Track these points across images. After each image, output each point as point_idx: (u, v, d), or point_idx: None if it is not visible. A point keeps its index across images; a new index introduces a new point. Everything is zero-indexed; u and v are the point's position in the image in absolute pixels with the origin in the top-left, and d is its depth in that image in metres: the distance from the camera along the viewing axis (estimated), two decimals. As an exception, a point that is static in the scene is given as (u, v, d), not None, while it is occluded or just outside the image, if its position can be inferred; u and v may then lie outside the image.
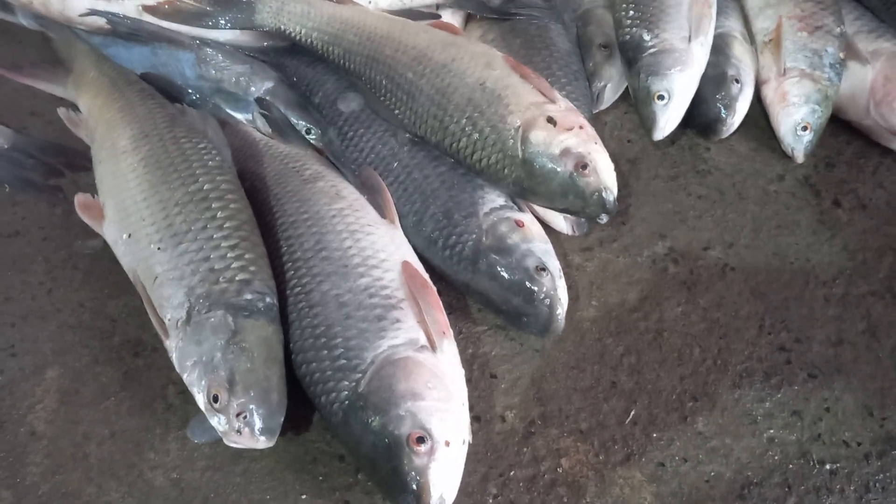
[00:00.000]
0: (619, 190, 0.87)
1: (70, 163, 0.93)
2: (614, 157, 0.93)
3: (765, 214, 0.96)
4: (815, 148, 1.01)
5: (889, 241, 0.94)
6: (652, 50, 0.94)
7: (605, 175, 0.77)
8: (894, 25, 1.04)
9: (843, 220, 0.96)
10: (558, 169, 0.76)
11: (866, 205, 0.98)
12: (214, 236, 0.71)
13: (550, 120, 0.77)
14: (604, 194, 0.77)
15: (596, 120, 1.02)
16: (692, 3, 0.96)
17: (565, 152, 0.76)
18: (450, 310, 0.80)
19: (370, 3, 0.98)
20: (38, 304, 0.80)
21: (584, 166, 0.76)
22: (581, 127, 0.78)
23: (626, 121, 1.04)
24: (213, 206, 0.74)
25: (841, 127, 1.04)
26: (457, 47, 0.86)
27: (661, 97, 0.92)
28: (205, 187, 0.75)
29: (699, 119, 0.99)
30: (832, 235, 0.94)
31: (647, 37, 0.95)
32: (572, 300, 0.82)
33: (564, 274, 0.82)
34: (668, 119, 0.93)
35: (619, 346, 0.82)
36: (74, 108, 0.97)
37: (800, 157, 0.99)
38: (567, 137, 0.76)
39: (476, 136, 0.79)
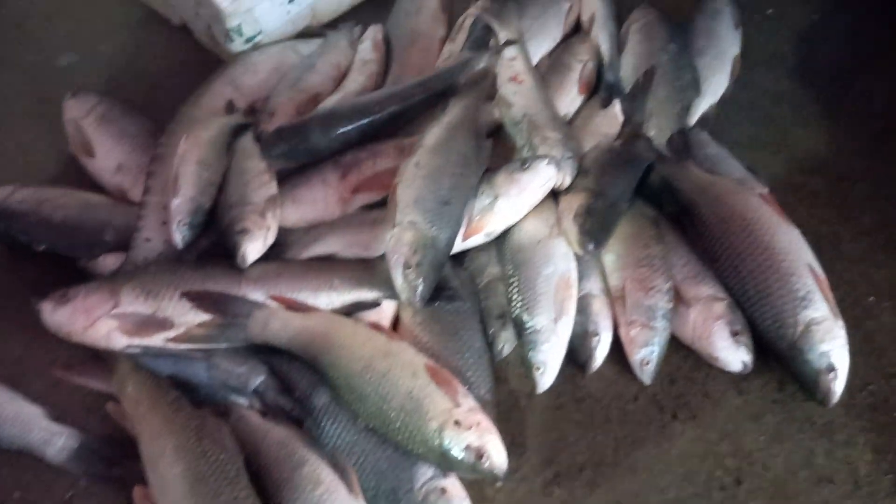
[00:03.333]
0: (519, 424, 1.27)
1: (124, 454, 1.29)
2: (515, 394, 1.34)
3: (623, 433, 1.34)
4: (662, 366, 1.40)
5: (709, 446, 1.32)
6: (529, 330, 1.32)
7: (497, 459, 1.14)
8: (713, 270, 1.44)
9: (678, 431, 1.34)
10: (465, 459, 1.14)
11: (696, 415, 1.36)
12: (243, 541, 1.08)
13: (457, 423, 1.15)
14: (496, 472, 1.14)
15: (501, 362, 1.41)
16: (556, 290, 1.35)
17: (468, 447, 1.14)
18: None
19: (328, 305, 1.36)
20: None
21: (482, 456, 1.14)
22: (479, 424, 1.15)
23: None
24: (239, 515, 1.11)
25: (683, 344, 1.44)
26: (392, 357, 1.23)
27: (538, 368, 1.31)
28: (231, 498, 1.12)
29: (573, 361, 1.38)
30: (670, 447, 1.32)
31: (526, 318, 1.34)
32: (488, 529, 1.20)
33: (481, 505, 1.20)
34: (545, 382, 1.32)
35: (521, 564, 1.20)
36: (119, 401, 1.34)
37: (647, 381, 1.37)
38: (468, 435, 1.14)
39: (408, 434, 1.17)
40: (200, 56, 2.04)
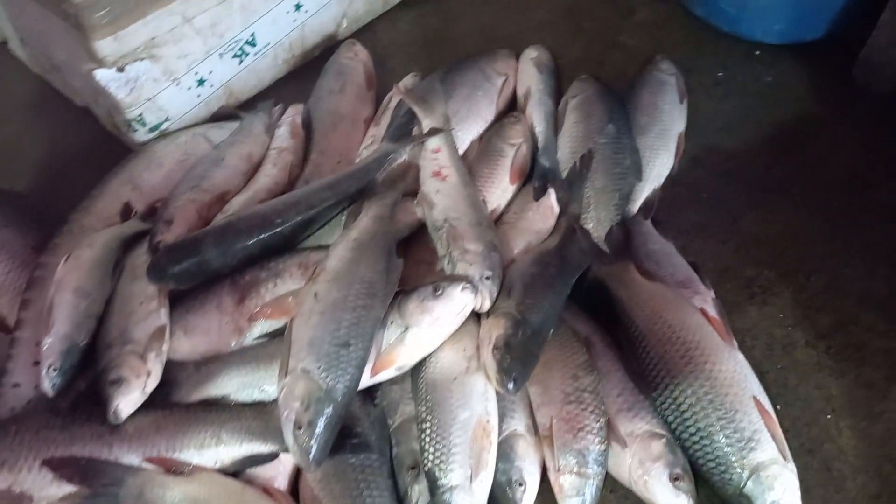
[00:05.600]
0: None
1: None
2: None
3: None
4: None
5: None
6: (442, 489, 1.17)
7: None
8: (651, 399, 1.29)
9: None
10: None
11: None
12: None
13: None
14: None
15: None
16: (474, 439, 1.19)
17: None
18: None
19: (216, 463, 1.20)
20: None
21: None
22: None
23: None
24: None
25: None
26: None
27: (452, 533, 1.16)
28: None
29: (498, 512, 1.23)
30: None
31: (438, 473, 1.18)
32: None
33: None
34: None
35: None
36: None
37: (581, 535, 1.22)
38: None
39: None
40: (107, 140, 1.88)
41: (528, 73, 1.85)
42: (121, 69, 1.62)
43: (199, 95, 1.78)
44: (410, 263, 1.46)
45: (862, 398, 1.40)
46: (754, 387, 1.26)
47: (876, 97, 1.86)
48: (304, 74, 1.98)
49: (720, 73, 2.00)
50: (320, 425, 1.12)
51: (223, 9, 1.69)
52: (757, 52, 2.03)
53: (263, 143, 1.72)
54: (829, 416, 1.38)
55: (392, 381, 1.32)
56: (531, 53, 1.90)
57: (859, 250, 1.61)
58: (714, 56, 2.03)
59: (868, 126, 1.84)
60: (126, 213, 1.56)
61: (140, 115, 1.69)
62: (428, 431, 1.21)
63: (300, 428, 1.12)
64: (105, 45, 1.55)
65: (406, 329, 1.26)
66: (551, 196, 1.61)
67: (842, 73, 1.92)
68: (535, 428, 1.28)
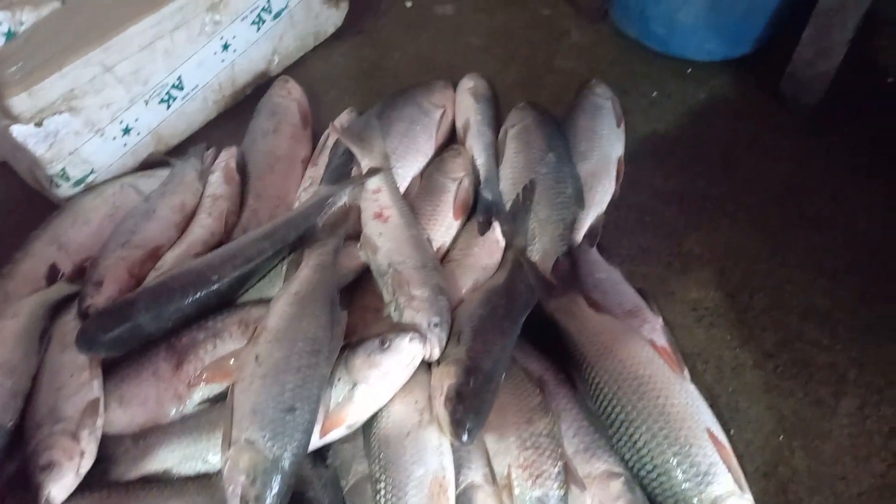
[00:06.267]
0: None
1: None
2: None
3: None
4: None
5: None
6: (401, 552, 1.13)
7: None
8: (606, 437, 1.28)
9: None
10: None
11: None
12: None
13: None
14: None
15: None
16: (430, 496, 1.15)
17: None
18: None
19: (161, 544, 1.14)
20: None
21: None
22: None
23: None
24: None
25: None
26: None
27: None
28: None
29: (459, 569, 1.19)
30: None
31: (395, 534, 1.14)
32: None
33: None
34: None
35: None
36: None
37: (542, 583, 1.20)
38: None
39: None
40: (30, 197, 1.78)
41: (466, 103, 1.83)
42: (38, 124, 1.54)
43: (125, 144, 1.71)
44: (356, 310, 1.42)
45: (812, 416, 1.42)
46: (707, 418, 1.26)
47: (804, 109, 1.90)
48: (236, 114, 1.93)
49: (654, 93, 2.02)
50: (268, 498, 1.07)
51: (145, 55, 1.63)
52: (689, 71, 2.06)
53: (196, 190, 1.65)
54: (781, 438, 1.39)
55: (344, 439, 1.27)
56: (468, 83, 1.88)
57: (798, 264, 1.64)
58: (647, 77, 2.05)
59: (798, 138, 1.89)
60: (52, 275, 1.48)
61: (63, 169, 1.61)
62: (383, 492, 1.17)
63: (248, 503, 1.06)
64: (19, 102, 1.47)
65: (354, 385, 1.22)
66: (496, 230, 1.59)
67: (771, 87, 1.96)
68: (492, 476, 1.25)
